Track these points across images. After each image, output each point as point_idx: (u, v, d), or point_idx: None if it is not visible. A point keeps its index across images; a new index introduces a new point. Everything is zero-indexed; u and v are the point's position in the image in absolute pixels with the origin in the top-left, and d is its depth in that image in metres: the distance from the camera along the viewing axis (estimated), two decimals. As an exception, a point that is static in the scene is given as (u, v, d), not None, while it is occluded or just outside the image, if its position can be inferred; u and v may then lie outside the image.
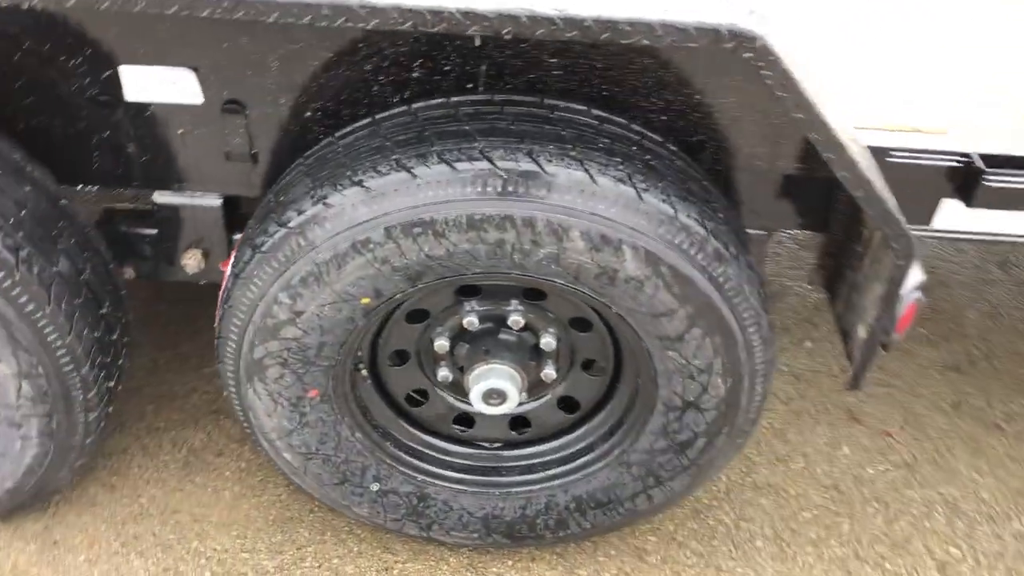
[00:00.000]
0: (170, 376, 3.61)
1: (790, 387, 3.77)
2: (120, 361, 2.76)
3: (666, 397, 2.59)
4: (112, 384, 2.73)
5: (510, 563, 3.08)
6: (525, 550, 3.10)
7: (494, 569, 3.05)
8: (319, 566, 3.02)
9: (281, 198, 2.39)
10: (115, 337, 2.70)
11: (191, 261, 2.76)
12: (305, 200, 2.30)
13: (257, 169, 2.60)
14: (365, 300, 2.38)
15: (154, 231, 2.78)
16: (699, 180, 2.44)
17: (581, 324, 2.68)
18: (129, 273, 2.88)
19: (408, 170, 2.21)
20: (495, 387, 2.62)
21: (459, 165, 2.20)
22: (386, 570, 3.03)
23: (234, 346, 2.50)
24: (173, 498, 3.19)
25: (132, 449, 3.33)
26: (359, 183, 2.24)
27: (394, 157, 2.24)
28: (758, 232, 2.71)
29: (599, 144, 2.28)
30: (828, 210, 2.73)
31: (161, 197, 2.69)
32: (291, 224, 2.30)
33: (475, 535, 2.94)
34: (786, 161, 2.55)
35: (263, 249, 2.34)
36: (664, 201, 2.27)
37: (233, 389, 2.62)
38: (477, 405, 2.66)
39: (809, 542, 3.22)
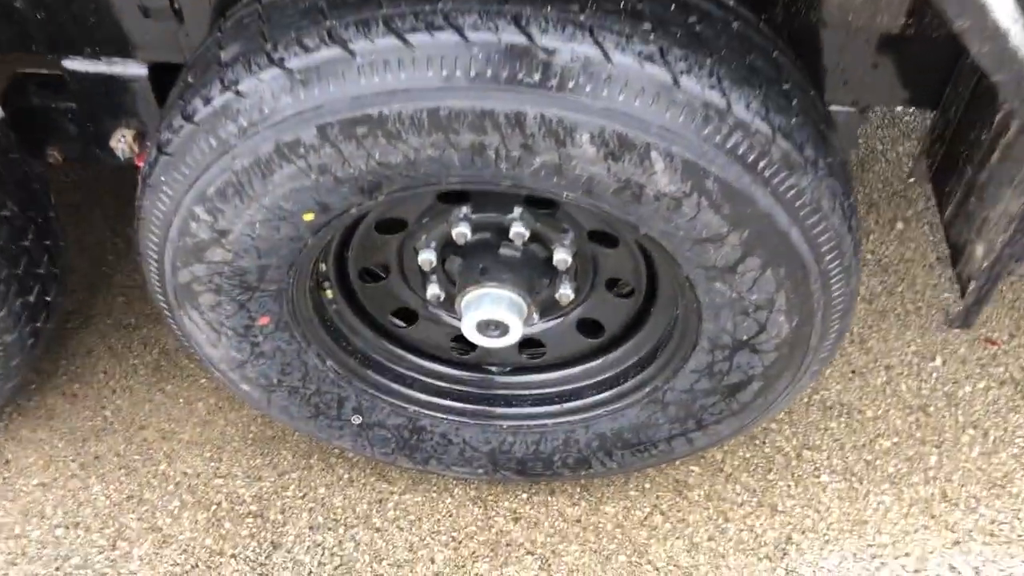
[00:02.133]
0: (145, 262, 3.09)
1: (875, 280, 3.07)
2: (40, 270, 2.23)
3: (712, 333, 1.96)
4: (33, 299, 2.21)
5: (524, 496, 2.58)
6: (542, 483, 2.59)
7: (506, 503, 2.56)
8: (303, 496, 2.57)
9: (190, 79, 1.74)
10: (28, 242, 2.15)
11: (120, 144, 2.16)
12: (213, 85, 1.65)
13: (185, 29, 1.94)
14: (309, 216, 1.77)
15: (72, 105, 2.17)
16: (766, 50, 1.70)
17: (605, 238, 2.04)
18: (55, 157, 2.30)
19: (344, 45, 1.53)
20: (492, 318, 2.02)
21: (415, 38, 1.51)
22: (380, 502, 2.56)
23: (155, 267, 1.93)
24: (140, 411, 2.73)
25: (98, 350, 2.86)
26: (279, 62, 1.57)
27: (326, 25, 1.55)
28: (846, 110, 1.97)
29: (618, 3, 1.55)
30: (943, 82, 1.97)
31: (71, 64, 2.06)
32: (197, 118, 1.66)
33: (480, 470, 2.43)
34: (890, 14, 1.78)
35: (168, 150, 1.72)
36: (712, 87, 1.55)
37: (168, 315, 2.08)
38: (471, 336, 2.08)
39: (886, 478, 2.63)
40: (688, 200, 1.65)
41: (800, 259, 1.76)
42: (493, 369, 2.38)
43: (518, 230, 1.98)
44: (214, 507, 2.54)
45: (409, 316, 2.29)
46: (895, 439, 2.70)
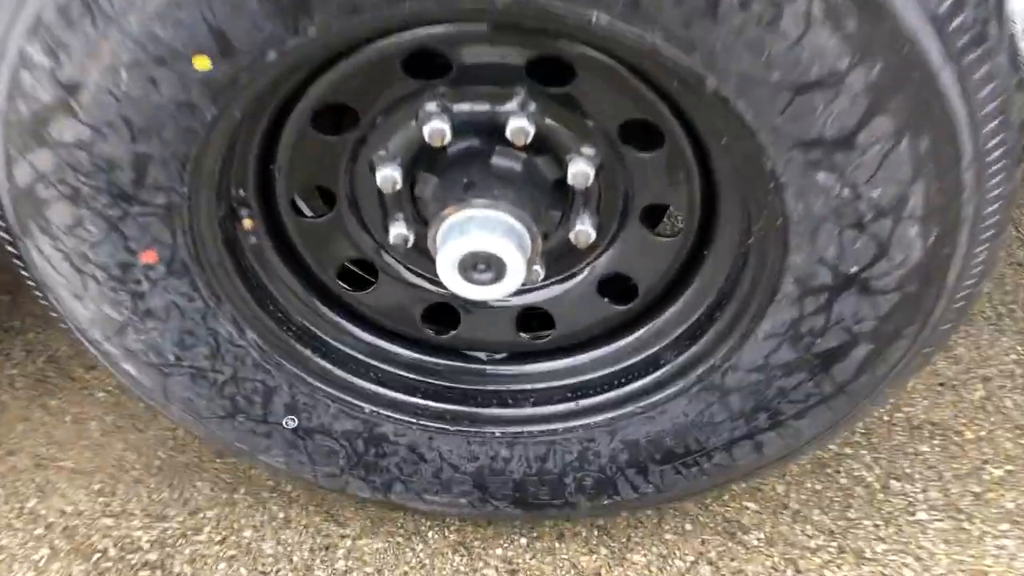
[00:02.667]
0: (42, 253, 2.45)
1: (955, 276, 2.46)
2: None
3: (804, 269, 1.33)
4: None
5: (523, 542, 1.89)
6: (548, 523, 1.92)
7: (497, 551, 1.87)
8: (221, 540, 1.87)
9: None
10: None
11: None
12: None
13: None
14: (202, 61, 1.15)
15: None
16: None
17: (641, 134, 1.42)
18: None
19: None
20: (480, 249, 1.38)
21: None
22: (326, 548, 1.87)
23: (-18, 163, 1.30)
24: (12, 432, 2.05)
25: (-34, 357, 2.20)
26: None
27: None
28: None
29: None
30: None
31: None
32: None
33: (463, 500, 1.75)
34: None
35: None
36: None
37: (13, 251, 1.43)
38: (451, 282, 1.43)
39: (1004, 516, 1.96)
40: (791, 6, 1.04)
41: (952, 123, 1.15)
42: (481, 356, 1.73)
43: (518, 124, 1.36)
44: (97, 556, 1.84)
45: (363, 274, 1.66)
46: (1008, 467, 2.05)
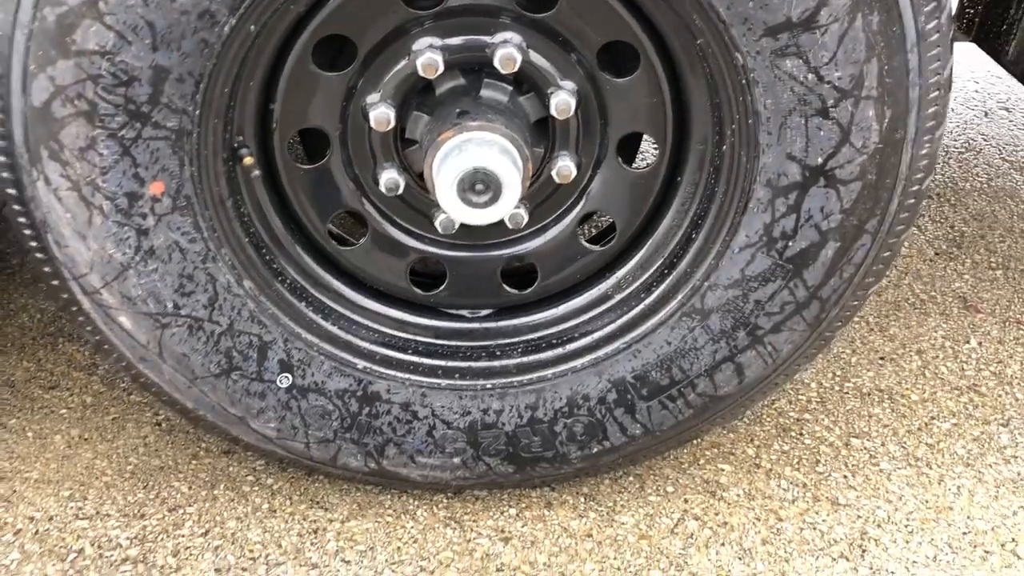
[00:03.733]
0: (-8, 293, 2.39)
1: (876, 273, 2.64)
2: None
3: (774, 168, 1.45)
4: None
5: (512, 512, 1.87)
6: (536, 492, 1.91)
7: (488, 522, 1.84)
8: (204, 532, 1.79)
9: None
10: None
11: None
12: None
13: None
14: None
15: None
16: None
17: (619, 59, 1.55)
18: None
19: None
20: (479, 166, 1.46)
21: None
22: (315, 532, 1.80)
23: (-2, 87, 1.32)
24: (-31, 449, 1.94)
25: (-85, 385, 2.09)
26: None
27: None
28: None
29: None
30: None
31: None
32: None
33: (457, 459, 1.74)
34: None
35: None
36: None
37: (13, 193, 1.42)
38: (449, 205, 1.49)
39: (958, 460, 2.06)
40: None
41: (898, 1, 1.31)
42: (465, 313, 1.77)
43: (506, 52, 1.47)
44: (73, 556, 1.73)
45: (352, 229, 1.70)
46: (953, 420, 2.16)
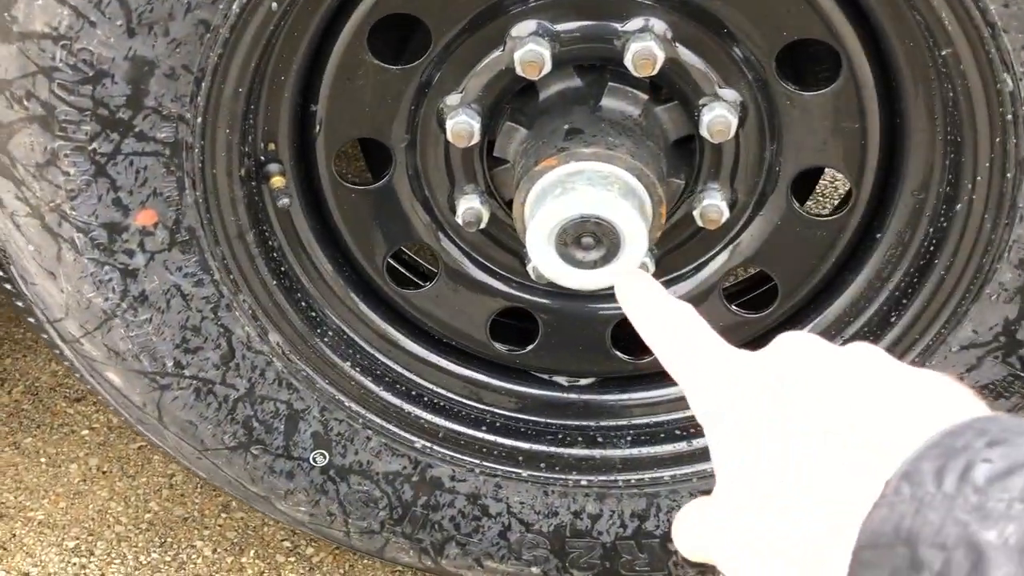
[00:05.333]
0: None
1: None
2: None
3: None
4: None
5: (605, 628, 1.47)
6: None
7: (573, 639, 1.45)
8: (223, 617, 1.46)
9: None
10: None
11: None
12: None
13: None
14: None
15: None
16: None
17: (808, 64, 1.07)
18: None
19: None
20: (589, 212, 1.01)
21: None
22: (356, 631, 1.45)
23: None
24: (-27, 474, 1.66)
25: (-71, 386, 1.82)
26: None
27: None
28: None
29: None
30: None
31: None
32: None
33: (536, 571, 1.34)
34: None
35: None
36: None
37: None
38: (544, 262, 1.05)
39: None
40: None
41: None
42: (562, 381, 1.35)
43: (643, 47, 1.01)
44: (63, 633, 1.43)
45: (420, 266, 1.29)
46: None
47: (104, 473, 1.67)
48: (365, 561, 1.53)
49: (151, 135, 0.97)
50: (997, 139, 0.92)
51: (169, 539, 1.56)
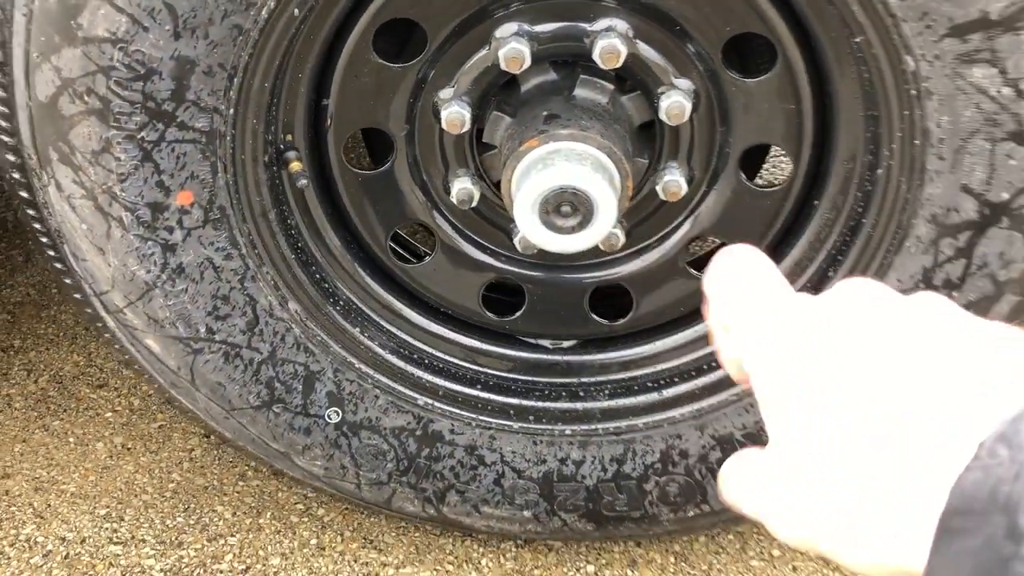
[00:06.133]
0: (48, 276, 2.24)
1: None
2: None
3: (941, 201, 1.14)
4: None
5: (592, 569, 1.63)
6: (619, 546, 1.65)
7: (562, 580, 1.61)
8: (245, 570, 1.60)
9: None
10: None
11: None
12: None
13: None
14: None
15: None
16: None
17: (750, 55, 1.25)
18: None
19: None
20: (567, 184, 1.18)
21: None
22: (366, 579, 1.60)
23: (0, 76, 1.11)
24: (7, 453, 1.79)
25: (-40, 377, 1.96)
26: None
27: None
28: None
29: None
30: None
31: None
32: None
33: (528, 514, 1.50)
34: None
35: None
36: None
37: (25, 196, 1.22)
38: (530, 228, 1.23)
39: None
40: None
41: None
42: (547, 344, 1.52)
43: (609, 43, 1.19)
44: (101, 587, 1.57)
45: (420, 243, 1.46)
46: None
47: (128, 450, 1.81)
48: (372, 519, 1.68)
49: (191, 125, 1.13)
50: (905, 112, 1.10)
51: (192, 505, 1.71)
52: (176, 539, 1.65)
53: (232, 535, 1.66)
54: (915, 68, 1.05)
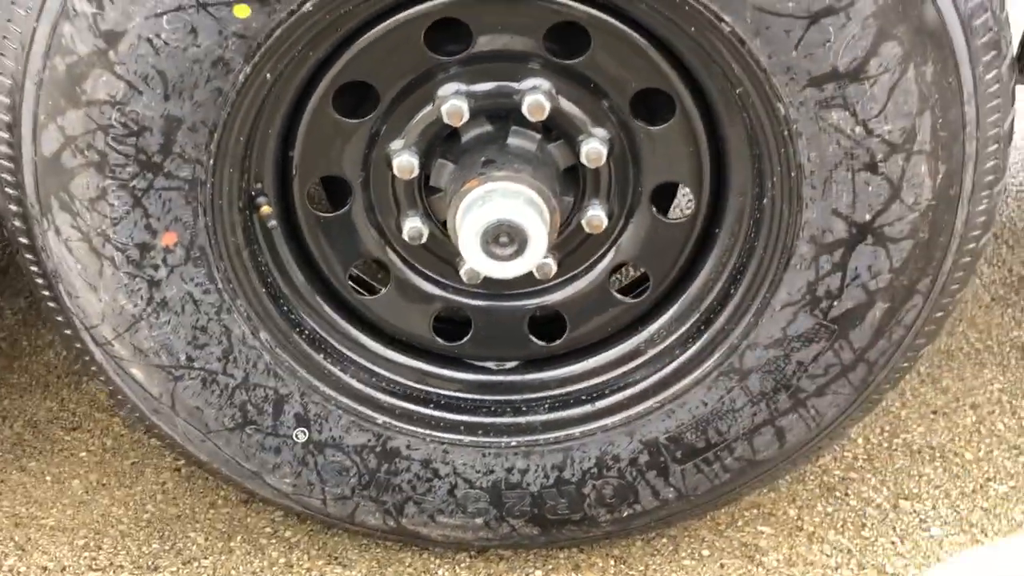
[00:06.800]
0: (18, 329, 2.37)
1: (928, 320, 2.51)
2: None
3: (818, 223, 1.37)
4: None
5: (539, 574, 1.79)
6: (564, 552, 1.82)
7: (513, 585, 1.77)
8: (218, 589, 1.74)
9: None
10: None
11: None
12: None
13: None
14: (241, 8, 1.18)
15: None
16: None
17: (653, 107, 1.48)
18: None
19: None
20: (504, 218, 1.38)
21: None
22: (332, 593, 1.74)
23: (7, 135, 1.28)
24: (-14, 492, 1.91)
25: (-63, 425, 2.07)
26: None
27: None
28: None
29: None
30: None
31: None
32: None
33: (479, 521, 1.66)
34: None
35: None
36: None
37: (25, 242, 1.39)
38: (472, 257, 1.42)
39: (1015, 527, 1.93)
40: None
41: (951, 48, 1.22)
42: (491, 365, 1.70)
43: (534, 99, 1.41)
44: (83, 609, 1.68)
45: (374, 278, 1.64)
46: (1011, 483, 2.03)
47: (104, 485, 1.94)
48: (336, 539, 1.82)
49: (176, 174, 1.31)
50: (782, 150, 1.33)
51: (167, 532, 1.83)
52: (152, 564, 1.77)
53: (205, 558, 1.79)
54: (786, 113, 1.28)
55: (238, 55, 1.22)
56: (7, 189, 1.32)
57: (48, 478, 1.95)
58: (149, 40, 1.19)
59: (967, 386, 2.30)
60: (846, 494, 1.99)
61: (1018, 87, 1.39)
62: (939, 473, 2.05)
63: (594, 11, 1.35)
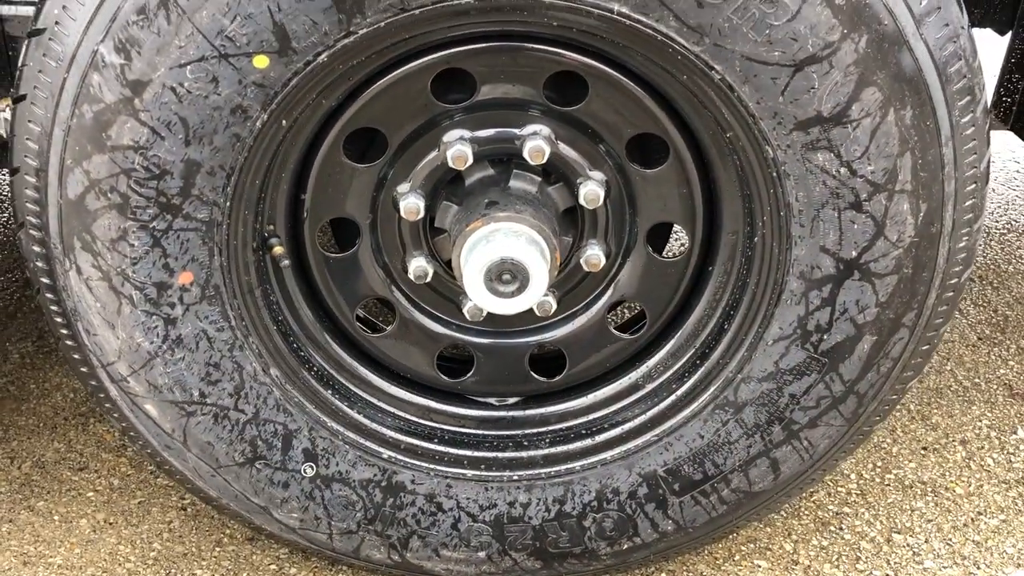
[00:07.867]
0: (26, 372, 2.41)
1: (917, 359, 2.58)
2: None
3: (807, 260, 1.43)
4: None
5: (541, 609, 1.82)
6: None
7: (515, 620, 1.79)
8: (224, 626, 1.76)
9: None
10: None
11: None
12: None
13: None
14: (261, 60, 1.26)
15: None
16: None
17: (648, 151, 1.55)
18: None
19: None
20: (507, 256, 1.45)
21: None
22: (336, 628, 1.77)
23: (35, 181, 1.34)
24: (-5, 532, 1.94)
25: (-54, 466, 2.10)
26: None
27: None
28: None
29: None
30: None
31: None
32: None
33: (482, 555, 1.70)
34: None
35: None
36: None
37: (46, 282, 1.44)
38: (476, 294, 1.48)
39: (1008, 560, 1.97)
40: (786, -15, 1.21)
41: (930, 95, 1.30)
42: (493, 401, 1.75)
43: (535, 145, 1.48)
44: (90, 647, 1.70)
45: (381, 317, 1.69)
46: (1002, 516, 2.08)
47: (111, 524, 1.97)
48: (341, 571, 1.86)
49: (194, 215, 1.37)
50: (771, 190, 1.40)
51: (173, 570, 1.86)
52: (159, 602, 1.80)
53: (212, 595, 1.81)
54: (774, 155, 1.35)
55: (256, 103, 1.29)
56: (32, 231, 1.38)
57: (56, 517, 1.98)
58: (173, 89, 1.26)
59: (956, 422, 2.36)
60: (840, 528, 2.03)
61: (992, 131, 1.48)
62: (931, 507, 2.10)
63: (591, 61, 1.42)
